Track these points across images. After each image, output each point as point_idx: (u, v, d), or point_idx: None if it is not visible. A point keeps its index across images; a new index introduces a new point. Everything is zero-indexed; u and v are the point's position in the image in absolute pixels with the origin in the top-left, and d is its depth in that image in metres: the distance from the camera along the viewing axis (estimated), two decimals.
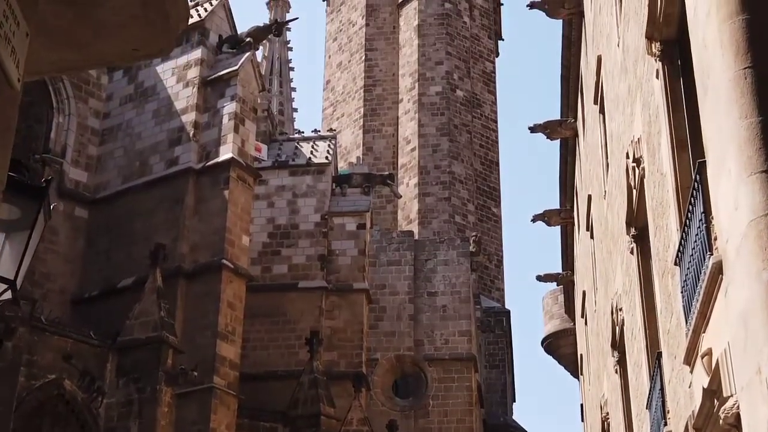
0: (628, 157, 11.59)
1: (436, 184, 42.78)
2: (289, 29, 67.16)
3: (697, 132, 8.65)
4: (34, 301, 18.84)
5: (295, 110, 60.74)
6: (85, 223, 24.09)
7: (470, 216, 43.05)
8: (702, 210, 7.10)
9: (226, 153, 22.78)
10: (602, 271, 17.34)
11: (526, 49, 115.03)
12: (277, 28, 25.73)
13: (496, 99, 48.35)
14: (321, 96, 50.30)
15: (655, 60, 9.35)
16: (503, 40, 51.89)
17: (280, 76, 65.49)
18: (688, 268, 7.73)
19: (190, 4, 25.75)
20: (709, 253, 6.87)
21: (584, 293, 22.52)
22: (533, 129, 23.01)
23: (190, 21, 24.86)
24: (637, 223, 11.70)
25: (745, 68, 6.17)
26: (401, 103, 45.49)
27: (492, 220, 45.28)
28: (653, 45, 9.38)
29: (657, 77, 9.31)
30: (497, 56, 50.36)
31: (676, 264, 8.34)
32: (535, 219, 25.42)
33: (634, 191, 11.35)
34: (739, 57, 6.26)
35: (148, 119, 24.36)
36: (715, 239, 6.77)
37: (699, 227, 7.22)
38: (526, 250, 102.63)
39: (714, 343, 6.93)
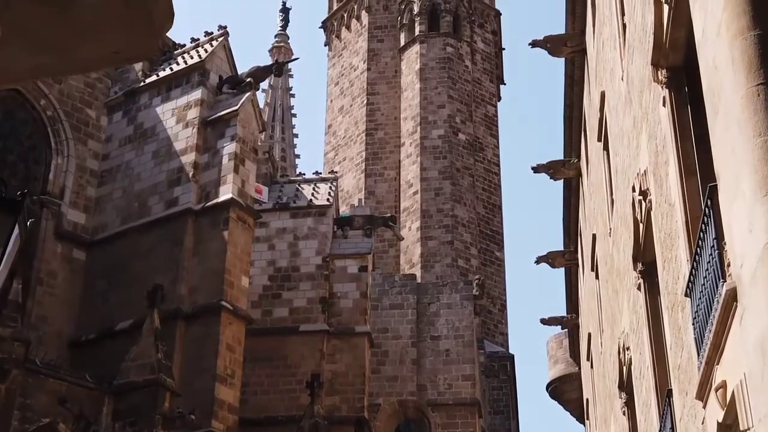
0: (634, 190, 11.37)
1: (439, 227, 42.56)
2: (291, 74, 67.59)
3: (705, 160, 8.45)
4: (28, 343, 18.50)
5: (298, 156, 60.82)
6: (83, 266, 23.83)
7: (473, 260, 42.77)
8: (714, 236, 6.87)
9: (225, 193, 22.58)
10: (608, 311, 17.08)
11: (528, 91, 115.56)
12: (277, 69, 25.64)
13: (498, 143, 48.28)
14: (323, 140, 50.30)
15: (662, 87, 9.16)
16: (505, 84, 52.00)
17: (282, 123, 65.83)
18: (700, 299, 7.48)
19: (191, 45, 25.73)
20: (722, 280, 6.62)
21: (590, 335, 22.23)
22: (536, 169, 22.82)
23: (190, 61, 24.82)
24: (644, 258, 11.48)
25: (758, 85, 5.97)
26: (403, 146, 45.40)
27: (495, 264, 45.00)
28: (659, 72, 9.19)
29: (664, 105, 9.11)
30: (499, 100, 50.43)
31: (686, 295, 8.10)
32: (539, 261, 25.18)
33: (641, 225, 11.13)
34: (752, 74, 6.05)
35: (148, 160, 24.19)
36: (728, 265, 6.53)
37: (711, 254, 6.97)
38: (529, 294, 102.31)
39: (729, 375, 6.66)
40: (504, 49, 52.37)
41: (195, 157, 23.31)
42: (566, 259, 25.33)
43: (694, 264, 7.61)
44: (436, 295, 34.06)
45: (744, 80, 6.06)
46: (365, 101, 47.37)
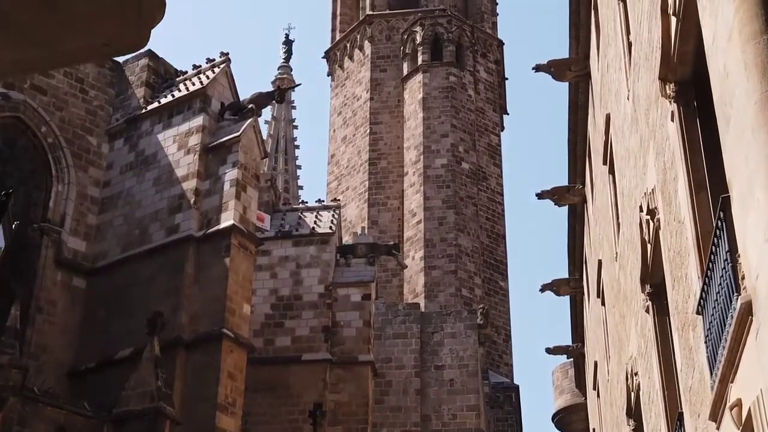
0: (641, 210, 11.20)
1: (443, 257, 42.31)
2: (294, 106, 67.73)
3: (715, 174, 8.29)
4: (26, 370, 18.24)
5: (301, 188, 60.76)
6: (83, 294, 23.61)
7: (477, 289, 42.49)
8: (727, 248, 6.67)
9: (227, 220, 22.39)
10: (615, 337, 16.88)
11: (532, 119, 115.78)
12: (279, 95, 25.49)
13: (501, 172, 48.12)
14: (325, 170, 50.19)
15: (670, 102, 9.00)
16: (508, 114, 51.94)
17: (285, 154, 65.85)
18: (713, 315, 7.28)
19: (193, 72, 25.64)
20: (736, 294, 6.41)
21: (596, 364, 21.99)
22: (540, 195, 22.74)
23: (192, 88, 24.72)
24: (652, 279, 11.30)
25: None
26: (406, 176, 45.26)
27: (499, 294, 44.70)
28: (667, 86, 9.04)
29: (672, 120, 8.95)
30: (502, 130, 50.32)
31: (698, 313, 7.90)
32: (543, 289, 25.00)
33: (649, 246, 10.95)
34: (765, 78, 5.89)
35: (149, 187, 24.03)
36: (743, 278, 6.32)
37: (724, 268, 6.78)
38: (534, 322, 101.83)
39: (744, 393, 6.43)
40: (507, 78, 52.35)
41: (196, 184, 23.15)
42: (571, 287, 25.17)
43: (706, 280, 7.43)
44: (440, 325, 33.79)
45: (757, 85, 5.91)
46: (368, 131, 47.29)
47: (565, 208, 23.81)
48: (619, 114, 13.83)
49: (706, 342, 7.63)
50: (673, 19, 8.42)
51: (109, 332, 22.86)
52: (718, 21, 6.78)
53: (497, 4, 53.11)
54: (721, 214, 6.83)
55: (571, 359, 27.83)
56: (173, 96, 24.96)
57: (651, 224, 10.62)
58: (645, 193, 10.94)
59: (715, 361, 7.22)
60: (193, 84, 24.89)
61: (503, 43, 51.69)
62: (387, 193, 45.62)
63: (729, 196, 6.64)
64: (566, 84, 20.48)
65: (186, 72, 25.79)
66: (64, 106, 24.81)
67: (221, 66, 24.93)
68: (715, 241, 7.01)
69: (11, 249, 23.08)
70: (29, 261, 23.11)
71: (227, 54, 25.07)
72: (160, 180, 23.88)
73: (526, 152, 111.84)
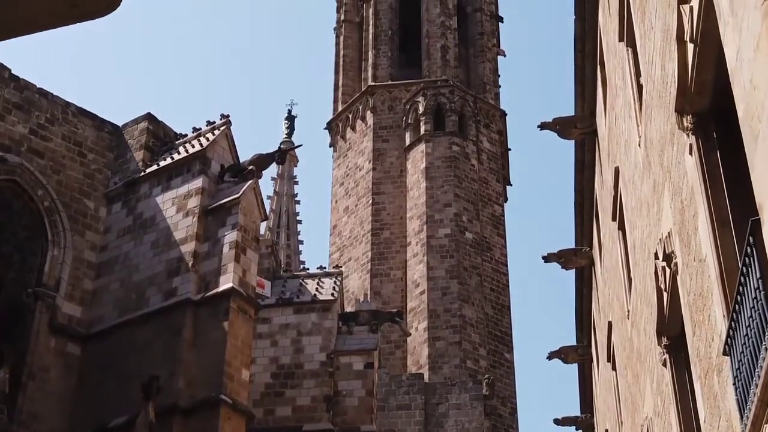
0: (656, 257, 10.76)
1: (447, 327, 41.71)
2: (296, 181, 67.69)
3: (738, 209, 7.88)
4: None
5: (303, 263, 60.30)
6: (78, 360, 23.00)
7: (482, 361, 41.78)
8: (759, 275, 6.19)
9: (226, 283, 21.89)
10: (628, 400, 16.38)
11: (535, 189, 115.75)
12: (280, 155, 25.17)
13: (505, 243, 47.74)
14: (327, 241, 49.78)
15: (688, 135, 8.60)
16: (511, 185, 51.74)
17: (287, 229, 65.65)
18: (742, 353, 6.78)
19: (193, 134, 25.36)
20: None
21: None
22: (547, 258, 22.41)
23: (192, 150, 24.43)
24: (668, 331, 10.86)
25: None
26: (409, 246, 44.87)
27: (504, 366, 43.99)
28: (685, 119, 8.65)
29: (690, 153, 8.53)
30: (506, 201, 50.07)
31: (725, 354, 7.38)
32: (551, 356, 24.53)
33: (665, 294, 10.51)
34: None
35: (147, 250, 23.58)
36: None
37: (755, 298, 6.28)
38: (541, 392, 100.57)
39: None
40: (510, 149, 52.31)
41: (195, 247, 22.70)
42: (579, 354, 24.72)
43: (734, 316, 6.94)
44: (445, 396, 33.12)
45: None
46: (370, 201, 47.03)
47: (572, 274, 23.50)
48: (629, 165, 13.52)
49: (734, 383, 7.15)
50: (690, 47, 8.08)
51: (103, 399, 22.21)
52: (742, 33, 6.41)
53: (499, 75, 53.31)
54: (750, 239, 6.37)
55: (580, 430, 27.20)
56: (172, 158, 24.65)
57: (667, 271, 10.20)
58: (660, 239, 10.53)
59: (746, 403, 6.76)
60: (193, 146, 24.60)
61: (506, 114, 51.77)
62: (390, 263, 45.20)
63: (759, 219, 6.19)
64: (571, 146, 20.30)
65: (186, 135, 25.52)
66: (61, 170, 24.48)
67: (221, 128, 24.66)
68: (744, 270, 6.54)
69: (4, 314, 22.70)
70: (23, 326, 22.58)
71: (228, 116, 24.83)
72: (158, 243, 23.44)
73: (531, 221, 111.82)
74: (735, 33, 6.64)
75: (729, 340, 7.17)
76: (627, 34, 12.48)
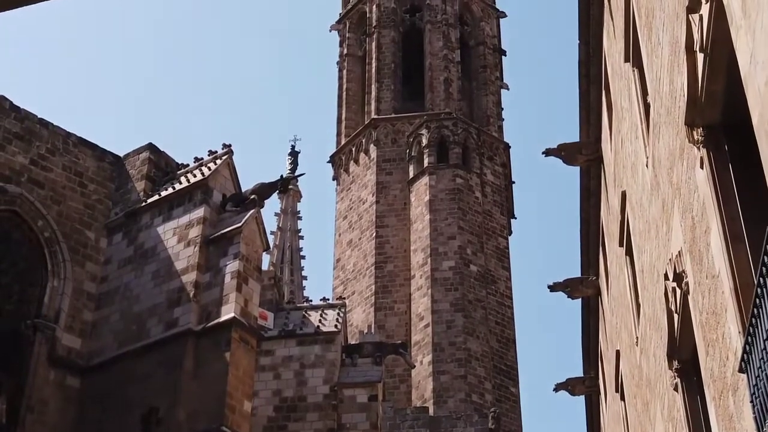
0: (666, 278, 10.54)
1: (451, 361, 41.33)
2: (300, 216, 67.51)
3: (752, 222, 7.67)
4: None
5: (306, 299, 60.01)
6: (77, 393, 22.65)
7: (488, 395, 41.37)
8: None
9: (227, 313, 21.59)
10: (637, 430, 16.14)
11: (540, 221, 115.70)
12: (282, 184, 24.97)
13: (510, 276, 47.45)
14: (331, 275, 49.52)
15: (698, 148, 8.40)
16: (515, 218, 51.51)
17: (291, 265, 65.47)
18: (760, 368, 6.55)
19: (195, 164, 25.18)
20: None
21: None
22: (553, 288, 22.24)
23: (193, 180, 24.24)
24: (680, 354, 10.65)
25: None
26: (413, 279, 44.57)
27: (510, 400, 43.56)
28: (695, 132, 8.45)
29: (702, 167, 8.31)
30: (510, 234, 49.84)
31: (741, 371, 7.14)
32: (557, 388, 24.25)
33: (676, 316, 10.29)
34: None
35: (147, 281, 23.31)
36: None
37: None
38: (547, 427, 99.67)
39: None
40: (514, 182, 52.12)
41: (196, 277, 22.43)
42: (587, 386, 24.45)
43: (750, 330, 6.70)
44: (450, 429, 32.72)
45: None
46: (374, 234, 46.82)
47: (578, 305, 23.29)
48: (636, 188, 13.36)
49: (752, 400, 6.90)
50: (700, 57, 7.90)
51: None
52: (756, 35, 6.23)
53: (503, 108, 53.26)
54: (766, 251, 6.13)
55: None
56: (174, 188, 24.45)
57: (678, 291, 9.99)
58: (670, 260, 10.32)
59: (765, 419, 6.54)
60: (195, 176, 24.41)
61: (509, 146, 51.64)
62: (394, 296, 44.91)
63: None
64: (575, 175, 20.15)
65: (187, 165, 25.34)
66: (62, 200, 24.28)
67: (224, 157, 24.48)
68: (761, 281, 6.29)
69: (2, 345, 22.40)
70: (21, 358, 22.27)
71: (230, 145, 24.65)
72: (159, 273, 23.18)
73: (536, 254, 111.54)
74: (748, 36, 6.46)
75: (745, 356, 6.95)
76: (633, 54, 12.36)
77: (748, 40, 6.48)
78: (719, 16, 7.10)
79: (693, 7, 7.80)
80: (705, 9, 7.45)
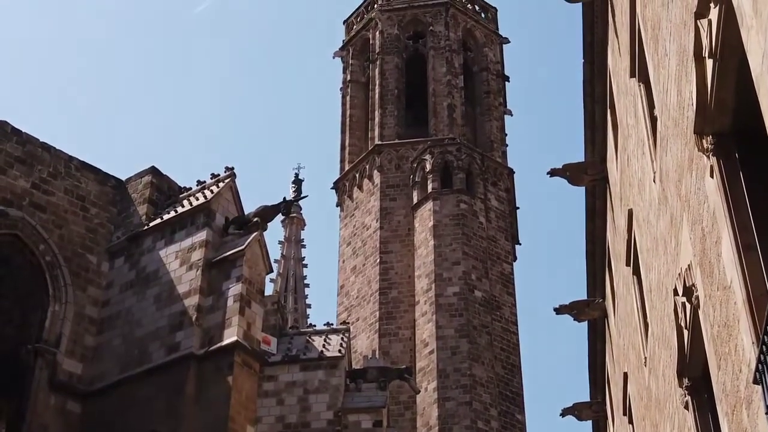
0: (676, 293, 10.36)
1: (456, 387, 40.96)
2: (304, 244, 67.37)
3: (764, 230, 7.50)
4: None
5: (310, 325, 59.74)
6: (78, 418, 22.41)
7: (493, 422, 40.99)
8: None
9: (230, 336, 21.37)
10: None
11: (544, 247, 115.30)
12: (285, 207, 24.80)
13: (515, 301, 47.13)
14: (335, 301, 49.26)
15: (708, 156, 8.24)
16: (520, 244, 51.26)
17: (294, 293, 65.28)
18: None
19: (197, 188, 25.05)
20: None
21: None
22: (559, 310, 22.06)
23: (195, 203, 24.09)
24: (690, 371, 10.44)
25: None
26: (418, 305, 44.29)
27: (516, 427, 43.13)
28: (705, 140, 8.28)
29: (711, 176, 8.14)
30: (515, 260, 49.55)
31: (755, 382, 6.95)
32: (564, 413, 23.99)
33: (686, 332, 10.09)
34: None
35: (149, 305, 23.12)
36: None
37: None
38: None
39: None
40: (518, 208, 51.91)
41: (198, 300, 22.23)
42: (594, 410, 24.18)
43: (765, 338, 6.53)
44: None
45: None
46: (378, 260, 46.57)
47: (584, 328, 23.09)
48: (643, 205, 13.21)
49: (767, 412, 6.71)
50: (709, 63, 7.76)
51: None
52: None
53: (506, 134, 53.14)
54: None
55: None
56: (176, 211, 24.31)
57: (688, 306, 9.80)
58: (679, 274, 10.13)
59: None
60: (197, 199, 24.27)
61: (513, 172, 51.46)
62: (398, 323, 44.60)
63: None
64: (581, 197, 20.02)
65: (190, 188, 25.21)
66: (63, 224, 24.14)
67: (226, 180, 24.35)
68: None
69: (3, 370, 22.18)
70: (22, 383, 22.05)
71: (232, 168, 24.54)
72: (161, 297, 23.00)
73: (541, 279, 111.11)
74: (759, 35, 6.31)
75: (760, 366, 6.76)
76: (639, 68, 12.25)
77: (759, 39, 6.32)
78: (729, 18, 6.96)
79: (701, 12, 7.65)
80: (714, 12, 7.31)
